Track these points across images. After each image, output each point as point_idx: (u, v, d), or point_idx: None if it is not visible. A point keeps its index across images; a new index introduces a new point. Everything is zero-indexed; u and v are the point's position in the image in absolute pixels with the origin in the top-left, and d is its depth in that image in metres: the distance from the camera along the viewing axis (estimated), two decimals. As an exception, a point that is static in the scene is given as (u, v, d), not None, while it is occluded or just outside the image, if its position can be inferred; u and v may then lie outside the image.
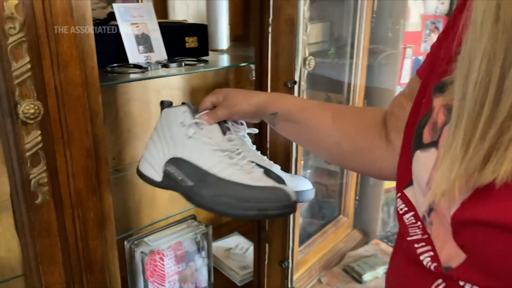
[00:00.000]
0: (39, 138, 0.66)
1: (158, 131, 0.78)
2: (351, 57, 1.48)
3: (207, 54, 1.09)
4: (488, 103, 0.35)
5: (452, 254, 0.43)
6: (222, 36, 1.18)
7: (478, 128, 0.36)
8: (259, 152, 0.81)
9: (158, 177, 0.76)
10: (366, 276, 1.34)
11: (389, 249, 1.56)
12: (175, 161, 0.73)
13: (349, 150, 0.71)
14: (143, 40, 0.95)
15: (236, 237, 1.46)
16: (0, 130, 0.68)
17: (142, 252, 1.04)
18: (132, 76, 0.87)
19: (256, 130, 0.87)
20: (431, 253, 0.45)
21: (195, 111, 0.77)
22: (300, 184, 0.83)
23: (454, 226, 0.41)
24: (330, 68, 1.51)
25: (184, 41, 1.04)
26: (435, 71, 0.52)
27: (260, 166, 0.74)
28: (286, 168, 1.02)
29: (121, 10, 0.92)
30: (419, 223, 0.48)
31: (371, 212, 1.62)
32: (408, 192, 0.51)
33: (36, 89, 0.64)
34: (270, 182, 0.69)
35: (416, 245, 0.47)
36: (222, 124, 0.75)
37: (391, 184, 1.76)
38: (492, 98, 0.35)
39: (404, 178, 0.52)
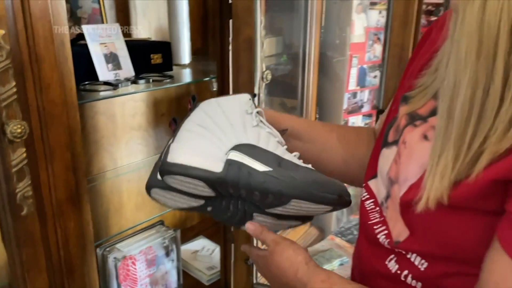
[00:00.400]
0: (24, 155, 0.71)
1: (203, 121, 0.64)
2: (303, 64, 1.59)
3: (171, 69, 1.16)
4: (473, 121, 0.43)
5: (400, 231, 0.54)
6: (184, 52, 1.26)
7: (465, 142, 0.44)
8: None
9: (217, 167, 0.59)
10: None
11: (343, 243, 1.69)
12: (243, 148, 0.60)
13: (355, 167, 0.75)
14: (112, 59, 1.02)
15: (202, 240, 1.54)
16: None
17: (115, 258, 1.10)
18: (105, 93, 0.93)
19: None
20: (386, 232, 0.56)
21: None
22: None
23: (401, 206, 0.52)
24: (285, 75, 1.62)
25: (150, 58, 1.11)
26: (403, 85, 0.63)
27: None
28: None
29: (90, 31, 0.98)
30: (377, 208, 0.60)
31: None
32: (371, 183, 0.63)
33: (22, 110, 0.70)
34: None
35: (375, 227, 0.58)
36: None
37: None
38: (476, 118, 0.43)
39: (370, 172, 0.64)
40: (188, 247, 1.47)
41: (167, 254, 1.23)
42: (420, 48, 0.65)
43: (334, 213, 1.83)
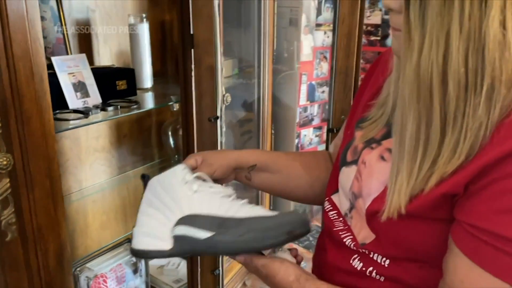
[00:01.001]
0: (8, 184, 0.77)
1: (151, 202, 0.71)
2: (258, 81, 1.70)
3: (135, 94, 1.23)
4: (420, 151, 0.53)
5: (366, 236, 0.64)
6: (147, 77, 1.33)
7: (415, 167, 0.54)
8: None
9: (167, 245, 0.67)
10: (283, 275, 1.56)
11: (301, 249, 1.81)
12: (185, 220, 0.67)
13: (319, 188, 0.82)
14: (80, 87, 1.08)
15: (166, 255, 1.60)
16: (-27, 181, 0.77)
17: (87, 277, 1.14)
18: (78, 122, 0.99)
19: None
20: (351, 237, 0.66)
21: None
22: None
23: (367, 216, 0.62)
24: (242, 90, 1.72)
25: (115, 84, 1.18)
26: (355, 112, 0.74)
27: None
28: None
29: (58, 62, 1.04)
30: (341, 218, 0.70)
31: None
32: (334, 197, 0.73)
33: (6, 144, 0.75)
34: (278, 212, 0.70)
35: (340, 233, 0.68)
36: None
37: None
38: (423, 148, 0.53)
39: (331, 187, 0.74)
40: (154, 262, 1.53)
41: (136, 270, 1.29)
42: (369, 79, 0.76)
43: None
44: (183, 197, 0.68)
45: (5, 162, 0.74)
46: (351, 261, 0.66)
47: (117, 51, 1.41)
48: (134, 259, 1.29)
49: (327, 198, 0.75)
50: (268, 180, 0.83)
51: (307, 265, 0.97)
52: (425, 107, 0.51)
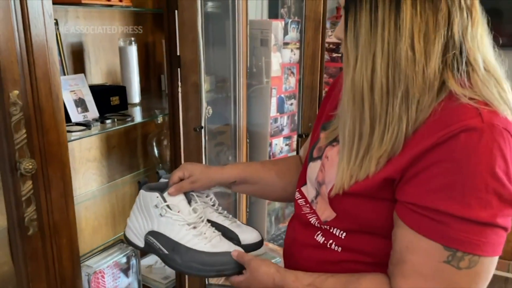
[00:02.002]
0: (31, 186, 0.91)
1: (138, 207, 0.91)
2: (234, 96, 1.87)
3: (126, 108, 1.38)
4: (356, 142, 0.70)
5: (328, 215, 0.78)
6: (135, 93, 1.48)
7: (352, 154, 0.70)
8: (220, 207, 1.03)
9: (141, 244, 0.91)
10: (261, 269, 1.72)
11: (275, 247, 1.98)
12: (153, 234, 0.89)
13: (292, 190, 0.94)
14: (80, 103, 1.22)
15: (152, 256, 1.73)
16: (3, 183, 0.90)
17: (87, 273, 1.27)
18: (83, 133, 1.13)
19: (216, 189, 1.10)
20: (316, 217, 0.81)
21: (164, 186, 0.94)
22: (252, 236, 1.01)
23: (329, 198, 0.76)
24: (218, 104, 1.89)
25: (110, 100, 1.32)
26: (320, 117, 0.91)
27: (219, 229, 0.95)
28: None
29: (62, 82, 1.18)
30: (308, 205, 0.85)
31: (259, 221, 2.03)
32: (303, 188, 0.88)
33: (30, 151, 0.89)
34: (225, 246, 0.88)
35: (307, 215, 0.83)
36: (187, 194, 0.93)
37: (272, 197, 2.21)
38: (358, 139, 0.69)
39: (301, 181, 0.89)
40: (144, 263, 1.66)
41: (129, 268, 1.42)
42: (331, 92, 0.92)
43: (266, 223, 2.12)
44: (154, 217, 0.89)
45: (30, 166, 0.88)
46: (315, 237, 0.80)
47: (107, 70, 1.56)
48: (128, 257, 1.43)
49: (297, 189, 0.90)
50: (247, 190, 1.02)
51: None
52: (358, 109, 0.67)
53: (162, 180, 0.95)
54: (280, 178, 1.00)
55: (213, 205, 1.02)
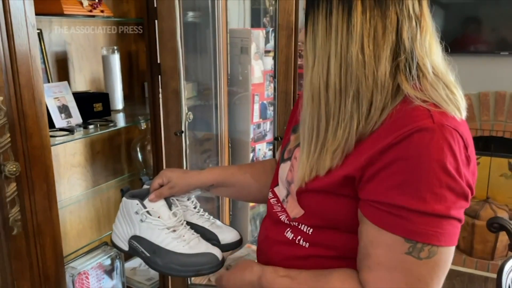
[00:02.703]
0: (15, 188, 0.95)
1: (122, 213, 0.98)
2: (216, 102, 1.93)
3: (109, 115, 1.43)
4: (314, 137, 0.74)
5: (297, 212, 0.82)
6: (118, 99, 1.53)
7: (311, 149, 0.75)
8: (202, 209, 1.11)
9: (125, 247, 0.97)
10: (244, 270, 1.77)
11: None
12: (136, 238, 0.95)
13: (267, 192, 0.98)
14: (64, 109, 1.27)
15: (136, 260, 1.77)
16: (-13, 185, 0.95)
17: (72, 274, 1.31)
18: (66, 138, 1.18)
19: (198, 192, 1.14)
20: (285, 215, 0.85)
21: (146, 192, 1.00)
22: (231, 236, 1.08)
23: (297, 196, 0.80)
24: (201, 111, 1.94)
25: (93, 107, 1.37)
26: (291, 121, 0.96)
27: (197, 231, 1.02)
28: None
29: (46, 89, 1.22)
30: (279, 204, 0.89)
31: (242, 224, 2.08)
32: (276, 189, 0.92)
33: (14, 155, 0.94)
34: (202, 248, 0.95)
35: (278, 213, 0.87)
36: (168, 199, 1.00)
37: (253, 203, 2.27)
38: (315, 135, 0.74)
39: (275, 181, 0.94)
40: (128, 265, 1.69)
41: (113, 269, 1.46)
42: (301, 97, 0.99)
43: (249, 227, 2.17)
44: (136, 222, 0.95)
45: (14, 169, 0.92)
46: (285, 233, 0.83)
47: (90, 78, 1.61)
48: (112, 259, 1.47)
49: (270, 190, 0.94)
50: (225, 192, 1.09)
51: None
52: (316, 107, 0.72)
53: (145, 186, 1.01)
54: (255, 180, 1.05)
55: (195, 208, 1.08)
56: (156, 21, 1.30)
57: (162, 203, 0.97)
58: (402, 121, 0.66)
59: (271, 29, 2.46)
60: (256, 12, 2.75)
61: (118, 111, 1.54)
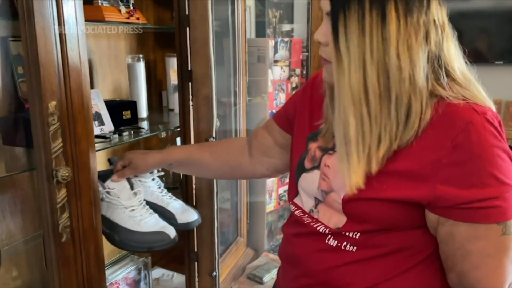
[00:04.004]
0: (65, 193, 0.94)
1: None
2: (235, 106, 1.95)
3: (137, 122, 1.43)
4: (360, 141, 0.72)
5: (338, 221, 0.82)
6: (143, 108, 1.53)
7: (359, 153, 0.73)
8: (165, 190, 1.22)
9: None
10: (266, 278, 1.77)
11: (276, 257, 2.02)
12: (103, 216, 1.07)
13: (227, 170, 1.13)
14: (97, 117, 1.26)
15: (158, 270, 1.75)
16: (39, 191, 0.93)
17: (104, 284, 1.28)
18: (104, 144, 1.17)
19: (161, 173, 1.28)
20: (323, 226, 0.84)
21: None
22: (189, 216, 1.22)
23: (343, 203, 0.79)
24: (221, 119, 1.95)
25: (122, 114, 1.37)
26: (304, 130, 0.93)
27: (156, 210, 1.13)
28: (210, 201, 1.40)
29: (80, 96, 1.22)
30: (306, 215, 0.88)
31: (259, 233, 2.08)
32: (296, 200, 0.92)
33: (65, 159, 0.93)
34: (158, 226, 1.08)
35: (311, 224, 0.86)
36: (130, 180, 1.10)
37: (270, 208, 2.27)
38: (361, 138, 0.72)
39: (292, 193, 0.93)
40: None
41: (142, 278, 1.44)
42: (303, 100, 0.96)
43: (265, 236, 2.17)
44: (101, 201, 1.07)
45: (67, 174, 0.91)
46: (326, 241, 0.82)
47: (113, 86, 1.61)
48: (140, 268, 1.45)
49: (291, 202, 0.94)
50: (185, 170, 1.21)
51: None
52: (358, 111, 0.72)
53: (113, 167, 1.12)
54: (214, 159, 1.12)
55: (159, 187, 1.19)
56: (187, 28, 1.31)
57: (124, 184, 1.07)
58: (450, 119, 0.70)
59: (279, 39, 2.50)
60: (260, 23, 2.79)
61: (143, 119, 1.54)
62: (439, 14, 0.73)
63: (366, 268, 0.81)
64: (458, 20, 2.88)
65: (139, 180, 1.14)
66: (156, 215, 1.10)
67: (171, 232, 1.09)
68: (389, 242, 0.79)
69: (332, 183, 0.82)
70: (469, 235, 0.71)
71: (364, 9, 0.69)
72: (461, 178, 0.69)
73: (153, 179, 1.18)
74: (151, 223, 1.07)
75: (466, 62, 0.78)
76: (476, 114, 0.69)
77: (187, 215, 1.20)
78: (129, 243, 1.05)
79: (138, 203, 1.07)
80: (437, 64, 0.73)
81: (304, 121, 0.95)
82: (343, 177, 0.76)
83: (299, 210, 0.90)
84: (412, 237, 0.78)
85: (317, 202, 0.86)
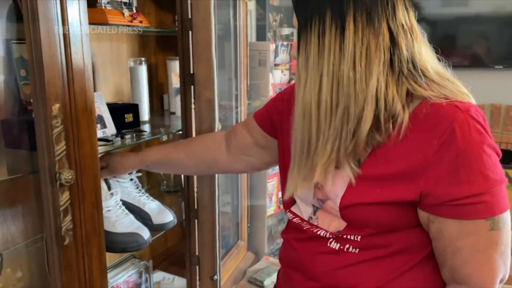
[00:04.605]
0: (68, 196, 0.94)
1: None
2: (236, 108, 1.95)
3: (139, 125, 1.43)
4: (305, 152, 0.77)
5: (338, 226, 0.83)
6: (145, 111, 1.53)
7: (302, 163, 0.79)
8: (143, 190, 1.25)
9: None
10: (266, 282, 1.77)
11: (276, 260, 2.02)
12: None
13: (202, 167, 1.16)
14: (99, 120, 1.26)
15: (159, 273, 1.74)
16: (42, 194, 0.93)
17: None
18: (107, 147, 1.17)
19: (139, 174, 1.32)
20: (324, 231, 0.84)
21: None
22: (164, 217, 1.25)
23: (341, 209, 0.80)
24: (222, 122, 1.96)
25: (124, 117, 1.37)
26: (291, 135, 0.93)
27: (133, 211, 1.15)
28: (212, 204, 1.40)
29: (82, 99, 1.22)
30: (305, 222, 0.88)
31: (259, 236, 2.08)
32: (294, 208, 0.92)
33: (68, 162, 0.93)
34: (132, 227, 1.11)
35: (311, 229, 0.86)
36: (107, 180, 1.13)
37: (271, 212, 2.27)
38: (306, 149, 0.77)
39: (289, 202, 0.93)
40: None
41: (143, 282, 1.44)
42: (290, 105, 0.95)
43: (265, 239, 2.17)
44: None
45: (70, 177, 0.91)
46: (328, 245, 0.84)
47: (114, 89, 1.61)
48: (141, 271, 1.45)
49: (288, 210, 0.95)
50: (162, 170, 1.31)
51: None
52: (307, 123, 0.76)
53: None
54: (189, 157, 1.16)
55: (137, 187, 1.22)
56: (190, 32, 1.31)
57: (101, 184, 1.05)
58: (435, 119, 0.71)
59: (280, 43, 2.51)
60: (261, 28, 2.79)
61: (145, 122, 1.54)
62: (406, 18, 0.74)
63: (370, 268, 0.81)
64: (457, 24, 2.90)
65: (117, 181, 1.17)
66: (131, 215, 1.13)
67: (145, 233, 1.12)
68: (391, 243, 0.80)
69: (327, 192, 0.82)
70: (458, 231, 0.72)
71: (325, 25, 0.72)
72: (448, 175, 0.70)
73: (131, 179, 1.21)
74: (126, 224, 1.10)
75: (440, 60, 0.80)
76: (459, 112, 0.70)
77: (163, 216, 1.23)
78: (107, 243, 1.04)
79: (115, 204, 1.10)
80: (412, 66, 0.74)
81: (274, 116, 1.00)
82: (291, 182, 0.83)
83: (297, 218, 0.90)
84: (414, 236, 0.79)
85: (316, 209, 0.87)
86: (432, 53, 0.79)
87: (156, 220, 1.19)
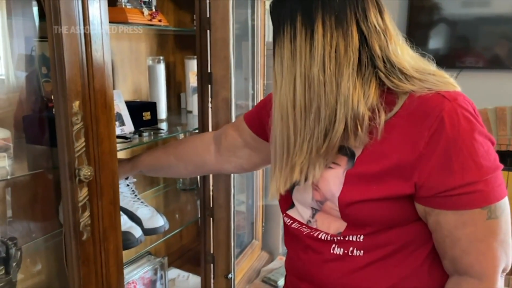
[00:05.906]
0: (87, 192, 0.95)
1: None
2: (253, 107, 1.94)
3: (156, 123, 1.44)
4: (285, 153, 0.79)
5: (338, 227, 0.81)
6: (162, 109, 1.54)
7: (283, 164, 0.80)
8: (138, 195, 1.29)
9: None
10: (280, 282, 1.76)
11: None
12: None
13: (192, 169, 1.17)
14: (118, 117, 1.27)
15: (173, 270, 1.76)
16: (62, 190, 0.95)
17: (121, 283, 1.29)
18: (125, 145, 1.18)
19: (134, 180, 1.36)
20: (324, 233, 0.83)
21: None
22: (154, 222, 1.27)
23: (341, 209, 0.79)
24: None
25: (142, 115, 1.38)
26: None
27: (127, 214, 1.21)
28: (227, 203, 1.41)
29: (101, 96, 1.23)
30: (304, 226, 0.87)
31: (274, 236, 2.08)
32: (290, 212, 0.91)
33: (87, 159, 0.94)
34: (125, 226, 1.14)
35: (311, 233, 0.85)
36: None
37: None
38: (286, 151, 0.79)
39: (285, 205, 0.92)
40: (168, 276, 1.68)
41: (158, 279, 1.45)
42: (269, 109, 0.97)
43: (280, 239, 2.17)
44: None
45: (89, 173, 0.92)
46: (332, 251, 0.82)
47: (133, 88, 1.62)
48: (158, 267, 1.46)
49: (284, 214, 0.93)
50: (155, 174, 1.31)
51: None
52: (285, 125, 0.79)
53: None
54: (178, 160, 1.18)
55: (133, 192, 1.26)
56: (208, 31, 1.32)
57: None
58: (423, 111, 0.71)
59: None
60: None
61: (162, 120, 1.55)
62: (379, 20, 0.75)
63: (379, 270, 0.81)
64: (478, 25, 2.84)
65: None
66: (125, 216, 1.17)
67: (137, 232, 1.15)
68: (394, 240, 0.79)
69: (325, 192, 0.82)
70: (456, 222, 0.71)
71: (296, 29, 0.74)
72: (441, 165, 0.70)
73: (127, 185, 1.25)
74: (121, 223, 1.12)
75: (424, 56, 0.81)
76: (447, 101, 0.70)
77: (153, 220, 1.26)
78: None
79: None
80: (389, 65, 0.75)
81: (264, 117, 0.99)
82: (273, 184, 0.85)
83: (296, 223, 0.89)
84: (416, 230, 0.79)
85: (315, 211, 0.86)
86: (409, 51, 0.80)
87: (147, 224, 1.23)
